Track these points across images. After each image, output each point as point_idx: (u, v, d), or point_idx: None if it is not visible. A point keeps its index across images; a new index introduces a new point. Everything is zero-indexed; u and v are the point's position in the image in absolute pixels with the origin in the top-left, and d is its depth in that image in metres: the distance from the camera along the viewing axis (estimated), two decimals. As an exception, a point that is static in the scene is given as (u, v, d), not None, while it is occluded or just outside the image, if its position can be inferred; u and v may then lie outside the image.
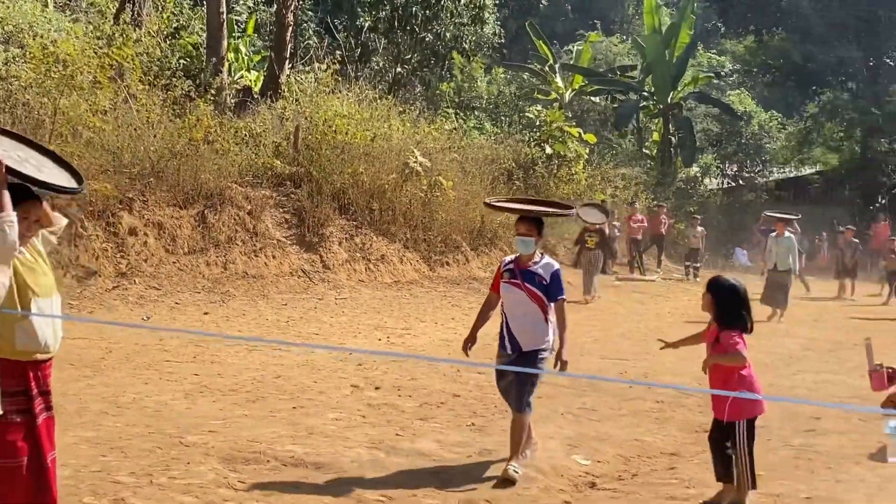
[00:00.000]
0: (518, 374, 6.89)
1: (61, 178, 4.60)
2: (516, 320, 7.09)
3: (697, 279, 25.82)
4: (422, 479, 6.85)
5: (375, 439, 7.77)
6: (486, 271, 21.43)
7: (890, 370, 5.49)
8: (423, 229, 20.64)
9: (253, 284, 16.42)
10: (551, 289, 7.11)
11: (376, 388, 9.90)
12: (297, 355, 11.58)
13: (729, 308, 6.35)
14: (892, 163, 36.22)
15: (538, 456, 7.46)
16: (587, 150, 28.00)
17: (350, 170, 19.20)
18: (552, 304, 7.13)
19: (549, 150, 26.23)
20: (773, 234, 18.93)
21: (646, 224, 26.48)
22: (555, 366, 6.99)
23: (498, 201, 8.39)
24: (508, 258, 7.43)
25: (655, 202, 29.41)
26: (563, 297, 7.16)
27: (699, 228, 26.91)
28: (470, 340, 7.33)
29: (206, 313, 14.47)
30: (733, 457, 6.37)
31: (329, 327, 14.41)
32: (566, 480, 7.19)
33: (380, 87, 25.86)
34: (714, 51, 48.63)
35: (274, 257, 17.31)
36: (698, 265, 26.61)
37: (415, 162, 20.21)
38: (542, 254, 7.34)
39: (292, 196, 18.67)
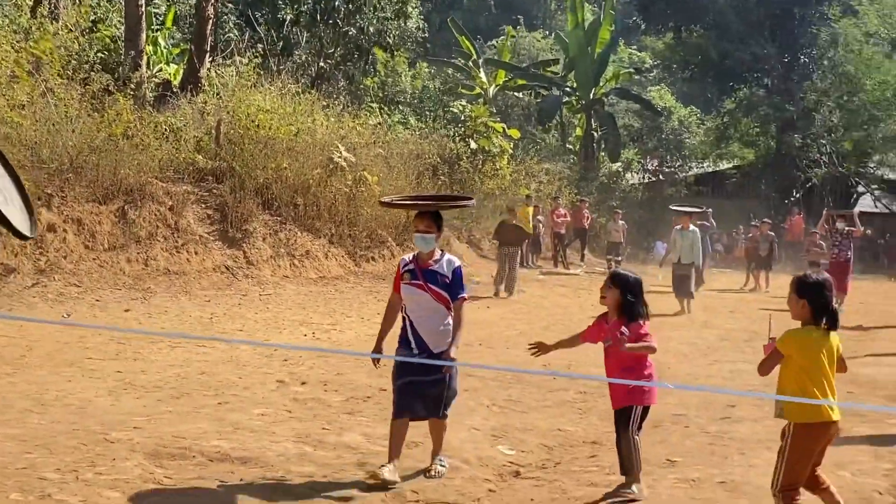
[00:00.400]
0: (439, 378, 6.69)
1: (18, 217, 4.56)
2: (422, 323, 6.76)
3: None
4: (349, 471, 6.89)
5: (302, 434, 7.78)
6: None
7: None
8: (348, 224, 20.64)
9: (175, 281, 16.27)
10: (454, 287, 6.81)
11: (302, 384, 9.89)
12: (222, 351, 11.53)
13: (635, 300, 6.44)
14: (806, 158, 37.11)
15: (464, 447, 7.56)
16: (511, 146, 28.25)
17: (273, 165, 19.13)
18: (453, 303, 6.80)
19: (473, 146, 26.41)
20: (679, 227, 18.99)
21: (569, 219, 26.82)
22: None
23: (392, 199, 8.16)
24: (407, 257, 7.05)
25: (578, 197, 29.80)
26: (465, 295, 6.87)
27: (620, 222, 27.32)
28: (377, 350, 6.87)
29: (127, 310, 14.30)
30: (623, 442, 6.44)
31: (254, 323, 14.35)
32: (491, 470, 7.28)
33: (302, 80, 25.75)
34: (634, 47, 49.43)
35: (196, 253, 17.17)
36: (620, 259, 27.01)
37: (339, 157, 20.20)
38: (442, 251, 7.02)
39: (214, 191, 18.54)
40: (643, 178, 40.22)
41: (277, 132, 19.31)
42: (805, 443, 5.35)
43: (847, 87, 36.33)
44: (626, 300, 6.43)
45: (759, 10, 36.31)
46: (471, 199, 8.09)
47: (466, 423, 8.57)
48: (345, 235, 20.53)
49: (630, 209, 32.71)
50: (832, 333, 5.45)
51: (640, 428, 6.53)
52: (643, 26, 43.97)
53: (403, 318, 6.88)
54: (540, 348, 6.81)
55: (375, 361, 7.03)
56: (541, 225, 26.57)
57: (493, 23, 60.57)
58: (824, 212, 31.63)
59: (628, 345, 6.30)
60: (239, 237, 18.17)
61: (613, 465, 7.36)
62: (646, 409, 6.55)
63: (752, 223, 27.16)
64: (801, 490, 5.47)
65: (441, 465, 6.91)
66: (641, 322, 6.43)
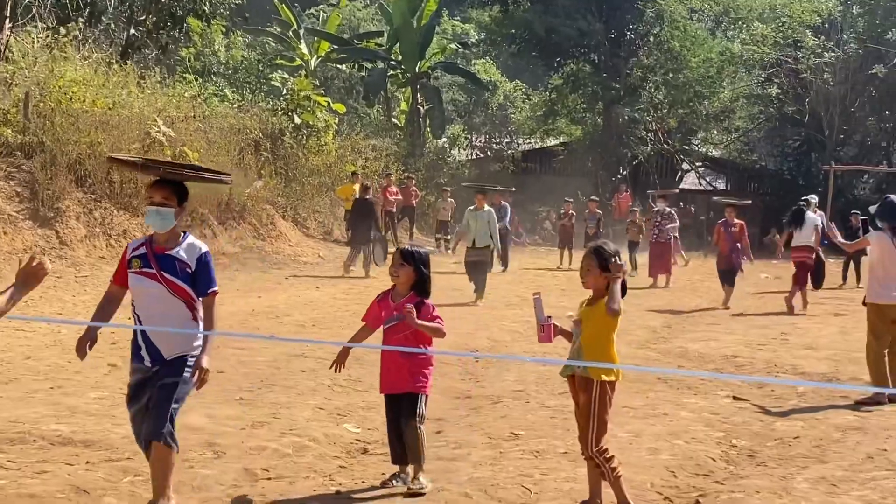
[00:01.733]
0: (159, 391, 5.59)
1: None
2: (153, 320, 5.62)
3: (449, 251, 26.97)
4: (197, 451, 7.16)
5: (145, 416, 7.98)
6: (234, 246, 21.63)
7: (556, 325, 6.16)
8: (171, 202, 20.48)
9: (-18, 263, 15.93)
10: (199, 279, 5.68)
11: (136, 367, 10.02)
12: (44, 335, 11.50)
13: (426, 278, 6.44)
14: (633, 135, 38.68)
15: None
16: (336, 121, 28.49)
17: (87, 139, 18.86)
18: (201, 299, 5.72)
19: (297, 120, 26.52)
20: (472, 208, 18.11)
21: (401, 197, 27.28)
22: (192, 374, 5.66)
23: (124, 157, 7.08)
24: (137, 241, 5.94)
25: (406, 174, 30.31)
26: (215, 288, 5.72)
27: (449, 200, 28.00)
28: (85, 344, 5.74)
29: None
30: (411, 431, 6.39)
31: (73, 307, 14.25)
32: (339, 448, 7.71)
33: (110, 50, 25.25)
34: (458, 18, 50.21)
35: (5, 233, 16.86)
36: (449, 237, 27.70)
37: (157, 131, 20.09)
38: (185, 232, 5.87)
39: (23, 168, 18.19)
40: (471, 154, 41.06)
41: (92, 105, 19.03)
42: (609, 399, 5.98)
43: (672, 65, 38.08)
44: (421, 276, 6.39)
45: (585, -15, 37.57)
46: (228, 175, 6.57)
47: (310, 403, 8.99)
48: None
49: (458, 186, 33.43)
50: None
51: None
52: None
53: (133, 317, 5.79)
54: (337, 362, 6.52)
55: (81, 354, 5.74)
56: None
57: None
58: (623, 188, 33.33)
59: (420, 321, 6.20)
60: (51, 216, 17.91)
61: (458, 440, 7.95)
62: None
63: (566, 199, 28.16)
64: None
65: None
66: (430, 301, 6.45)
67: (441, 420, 8.79)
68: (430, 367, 6.51)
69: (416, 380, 6.38)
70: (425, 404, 6.48)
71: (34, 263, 4.52)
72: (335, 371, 6.58)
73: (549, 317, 6.15)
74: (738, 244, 17.87)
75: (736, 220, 18.07)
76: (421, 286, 6.42)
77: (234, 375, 10.04)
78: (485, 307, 16.92)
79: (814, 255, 17.41)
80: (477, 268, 17.63)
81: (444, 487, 6.52)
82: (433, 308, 6.41)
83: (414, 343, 6.36)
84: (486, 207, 17.96)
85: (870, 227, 10.32)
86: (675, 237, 22.34)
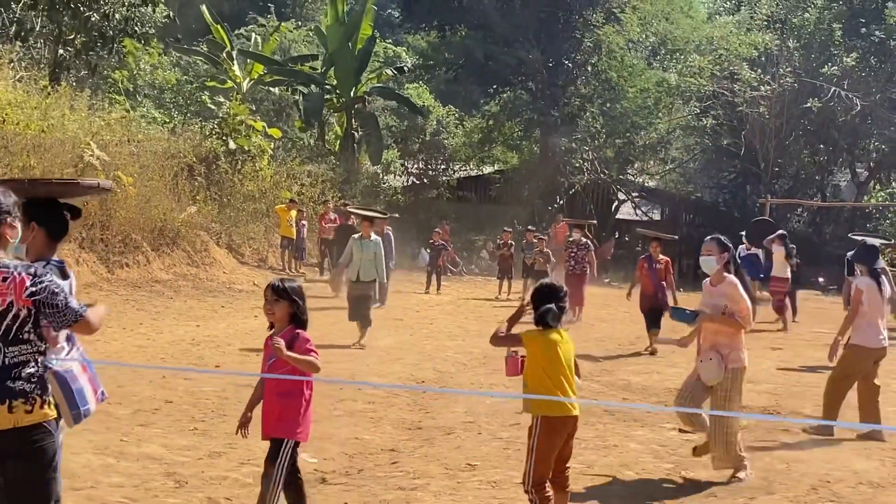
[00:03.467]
0: None
1: None
2: None
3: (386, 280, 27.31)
4: (159, 480, 7.41)
5: (101, 445, 8.21)
6: (168, 273, 21.72)
7: (522, 357, 6.51)
8: (100, 228, 20.61)
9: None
10: None
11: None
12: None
13: (301, 311, 6.31)
14: (570, 164, 39.39)
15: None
16: (272, 146, 28.69)
17: (20, 163, 18.86)
18: None
19: (232, 145, 26.68)
20: (357, 236, 16.52)
21: (338, 223, 27.51)
22: None
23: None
24: None
25: (343, 201, 30.57)
26: None
27: (386, 229, 28.27)
28: None
29: None
30: (265, 479, 6.23)
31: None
32: (296, 478, 7.97)
33: (37, 69, 25.21)
34: (390, 40, 50.68)
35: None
36: (392, 265, 28.00)
37: (91, 155, 20.15)
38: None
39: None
40: (407, 180, 41.45)
41: (26, 128, 19.07)
42: (549, 436, 6.32)
43: (609, 95, 38.98)
44: (298, 309, 6.29)
45: (523, 13, 38.25)
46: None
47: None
48: (97, 239, 20.50)
49: (394, 213, 33.71)
50: (566, 335, 6.47)
51: (293, 466, 6.30)
52: (406, 24, 45.20)
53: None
54: (242, 426, 6.36)
55: None
56: (304, 230, 27.23)
57: (237, 9, 60.30)
58: (560, 218, 33.91)
59: (290, 354, 6.03)
60: (-21, 243, 17.82)
61: (417, 470, 8.30)
62: (296, 446, 6.30)
63: (505, 229, 28.73)
64: (549, 487, 6.38)
65: None
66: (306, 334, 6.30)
67: (395, 451, 9.13)
68: (301, 410, 6.23)
69: (284, 424, 6.18)
70: (292, 452, 6.23)
71: None
72: (241, 436, 6.38)
73: (515, 351, 6.50)
74: (663, 282, 16.74)
75: (661, 256, 16.98)
76: (297, 319, 6.26)
77: (184, 405, 10.27)
78: (426, 339, 17.25)
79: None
80: (360, 303, 16.12)
81: (407, 517, 6.87)
82: (308, 341, 6.19)
83: (290, 385, 6.17)
84: (373, 236, 16.47)
85: (846, 273, 10.83)
86: (587, 268, 21.28)
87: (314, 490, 7.66)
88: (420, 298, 24.83)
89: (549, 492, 6.33)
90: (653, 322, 16.62)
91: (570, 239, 22.16)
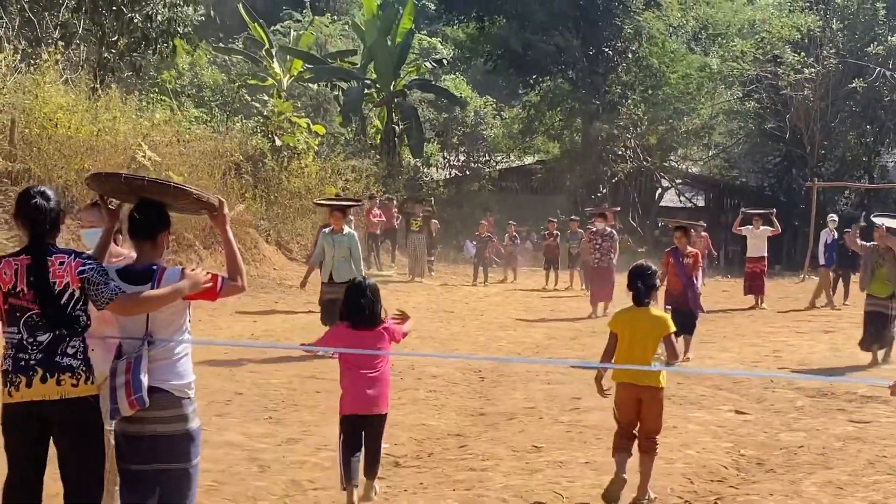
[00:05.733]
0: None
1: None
2: None
3: (433, 273, 27.90)
4: (243, 465, 7.92)
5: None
6: (220, 270, 22.13)
7: None
8: (152, 227, 21.10)
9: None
10: None
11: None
12: None
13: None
14: (612, 152, 39.64)
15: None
16: (317, 142, 29.20)
17: (75, 166, 19.48)
18: None
19: (278, 143, 27.20)
20: (327, 230, 14.66)
21: (384, 219, 28.01)
22: None
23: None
24: None
25: (386, 195, 31.09)
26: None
27: (433, 221, 28.81)
28: None
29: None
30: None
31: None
32: (372, 462, 8.45)
33: (81, 72, 25.82)
34: (425, 32, 51.04)
35: (-3, 261, 17.38)
36: (432, 259, 28.57)
37: (143, 156, 20.73)
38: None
39: (11, 195, 18.72)
40: (449, 173, 41.88)
41: (76, 131, 19.66)
42: (619, 397, 7.39)
43: (651, 81, 39.22)
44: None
45: (562, 1, 38.49)
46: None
47: (335, 421, 9.67)
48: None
49: (437, 206, 34.17)
50: (652, 313, 7.36)
51: (345, 440, 7.06)
52: (444, 16, 45.57)
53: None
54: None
55: None
56: (351, 225, 27.71)
57: (271, 4, 60.88)
58: (605, 206, 34.12)
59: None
60: (40, 244, 18.43)
61: (485, 452, 8.75)
62: (345, 419, 7.12)
63: (550, 219, 29.17)
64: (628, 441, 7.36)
65: None
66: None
67: (461, 436, 9.57)
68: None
69: (385, 400, 7.25)
70: (340, 426, 7.25)
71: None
72: None
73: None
74: (694, 278, 14.61)
75: (690, 249, 14.67)
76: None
77: (254, 396, 10.78)
78: (478, 329, 17.69)
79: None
80: (333, 308, 12.83)
81: (481, 494, 7.32)
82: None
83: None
84: (346, 229, 14.43)
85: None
86: (612, 259, 20.25)
87: (390, 472, 8.15)
88: (468, 290, 25.30)
89: (624, 443, 7.28)
90: (684, 327, 13.43)
91: (594, 230, 20.73)
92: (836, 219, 22.12)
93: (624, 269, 21.95)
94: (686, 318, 13.70)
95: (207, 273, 5.32)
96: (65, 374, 5.00)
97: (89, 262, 5.08)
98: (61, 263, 5.01)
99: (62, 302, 5.02)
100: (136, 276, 5.21)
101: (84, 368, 5.07)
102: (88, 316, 5.14)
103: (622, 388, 7.27)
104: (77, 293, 5.05)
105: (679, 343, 10.17)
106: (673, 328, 7.31)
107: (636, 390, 7.17)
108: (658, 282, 7.68)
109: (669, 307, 13.43)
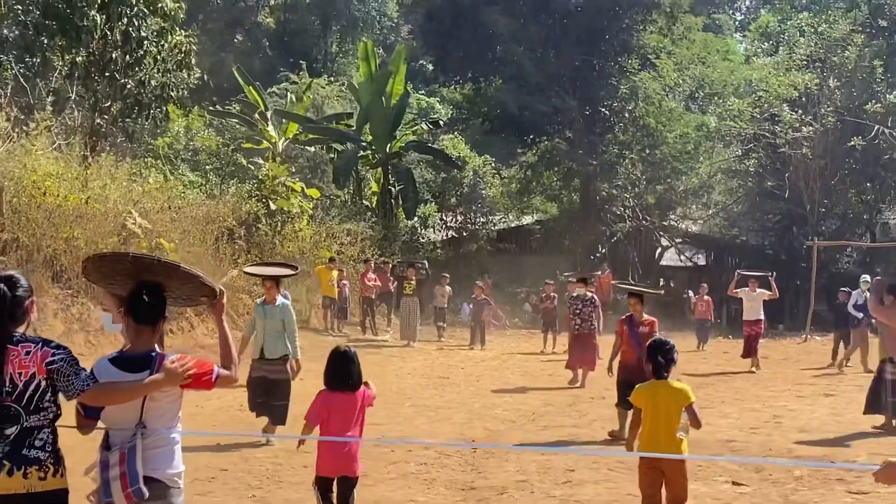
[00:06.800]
0: None
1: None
2: None
3: (442, 339, 27.75)
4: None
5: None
6: (212, 338, 22.10)
7: None
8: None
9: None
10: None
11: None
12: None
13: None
14: (611, 211, 39.66)
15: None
16: (311, 206, 29.20)
17: (64, 234, 19.45)
18: None
19: (272, 207, 27.21)
20: (259, 300, 13.40)
21: (379, 282, 27.95)
22: None
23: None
24: None
25: (381, 258, 31.03)
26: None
27: (447, 287, 28.66)
28: None
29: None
30: None
31: (65, 406, 14.67)
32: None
33: (76, 137, 25.88)
34: (423, 92, 51.28)
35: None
36: (444, 325, 28.42)
37: (133, 223, 20.71)
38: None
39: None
40: (445, 234, 41.83)
41: (66, 200, 19.66)
42: (642, 471, 7.85)
43: (648, 141, 39.35)
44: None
45: (558, 62, 38.76)
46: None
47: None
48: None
49: (435, 268, 34.10)
50: (673, 386, 7.72)
51: (322, 497, 7.80)
52: (440, 78, 45.90)
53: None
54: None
55: None
56: (346, 290, 27.69)
57: (268, 66, 61.18)
58: (604, 267, 34.09)
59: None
60: (28, 314, 18.33)
61: (474, 528, 8.56)
62: (319, 480, 7.84)
63: (547, 281, 28.91)
64: None
65: None
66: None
67: (451, 512, 9.44)
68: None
69: (356, 463, 7.86)
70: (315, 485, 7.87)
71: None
72: None
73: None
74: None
75: (646, 317, 13.56)
76: None
77: (239, 472, 10.64)
78: (474, 396, 17.53)
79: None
80: (272, 390, 12.50)
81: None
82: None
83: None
84: (280, 299, 12.91)
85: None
86: (595, 326, 19.73)
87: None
88: (465, 354, 25.16)
89: None
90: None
91: (574, 294, 20.21)
92: (869, 279, 21.96)
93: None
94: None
95: (194, 364, 5.22)
96: (31, 466, 4.87)
97: (59, 352, 4.97)
98: (27, 353, 4.90)
99: (28, 394, 4.90)
100: (134, 363, 5.14)
101: (52, 461, 4.94)
102: (58, 406, 5.02)
103: (645, 462, 7.65)
104: (44, 384, 4.92)
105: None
106: (693, 398, 7.68)
107: (659, 463, 7.54)
108: (675, 356, 7.84)
109: (624, 381, 12.70)
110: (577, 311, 19.54)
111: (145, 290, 5.22)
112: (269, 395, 12.43)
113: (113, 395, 5.02)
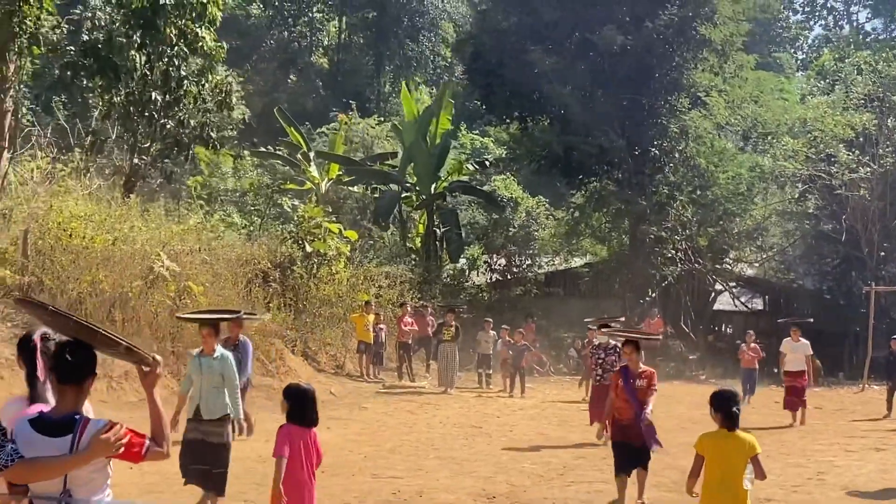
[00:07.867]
0: None
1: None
2: None
3: (490, 386, 27.21)
4: None
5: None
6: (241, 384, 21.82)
7: None
8: (171, 340, 20.87)
9: (-21, 411, 16.16)
10: None
11: None
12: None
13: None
14: (661, 254, 38.85)
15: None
16: (349, 248, 28.95)
17: (89, 277, 19.31)
18: None
19: (308, 249, 27.00)
20: (196, 352, 11.80)
21: (416, 327, 27.59)
22: None
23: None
24: None
25: (421, 302, 30.67)
26: None
27: (491, 332, 28.06)
28: None
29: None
30: None
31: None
32: None
33: (114, 178, 25.94)
34: (477, 132, 51.11)
35: (2, 378, 17.13)
36: (490, 371, 27.83)
37: (161, 266, 20.53)
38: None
39: (22, 309, 18.54)
40: (490, 277, 41.37)
41: (92, 241, 19.54)
42: None
43: (700, 181, 38.64)
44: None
45: (605, 101, 38.29)
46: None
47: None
48: (167, 352, 20.66)
49: (478, 312, 33.69)
50: (738, 437, 7.76)
51: None
52: (486, 116, 45.76)
53: None
54: None
55: None
56: (383, 334, 27.32)
57: (321, 105, 61.63)
58: (655, 312, 33.44)
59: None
60: (50, 359, 18.17)
61: None
62: None
63: (589, 327, 28.06)
64: None
65: None
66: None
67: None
68: None
69: None
70: None
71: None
72: None
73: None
74: (646, 405, 11.89)
75: (643, 367, 12.31)
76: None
77: None
78: (505, 446, 17.03)
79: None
80: (209, 456, 10.88)
81: None
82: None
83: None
84: (219, 350, 11.48)
85: None
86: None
87: None
88: (503, 402, 24.65)
89: None
90: (630, 461, 12.01)
91: (596, 343, 19.19)
92: None
93: (671, 378, 20.70)
94: (634, 453, 11.94)
95: (127, 433, 4.86)
96: None
97: None
98: None
99: None
100: (54, 427, 4.80)
101: None
102: None
103: None
104: None
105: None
106: (759, 449, 7.74)
107: None
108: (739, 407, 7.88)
109: (620, 443, 12.00)
110: (600, 361, 18.40)
111: (69, 347, 4.86)
112: (205, 461, 10.75)
113: (36, 473, 4.70)
